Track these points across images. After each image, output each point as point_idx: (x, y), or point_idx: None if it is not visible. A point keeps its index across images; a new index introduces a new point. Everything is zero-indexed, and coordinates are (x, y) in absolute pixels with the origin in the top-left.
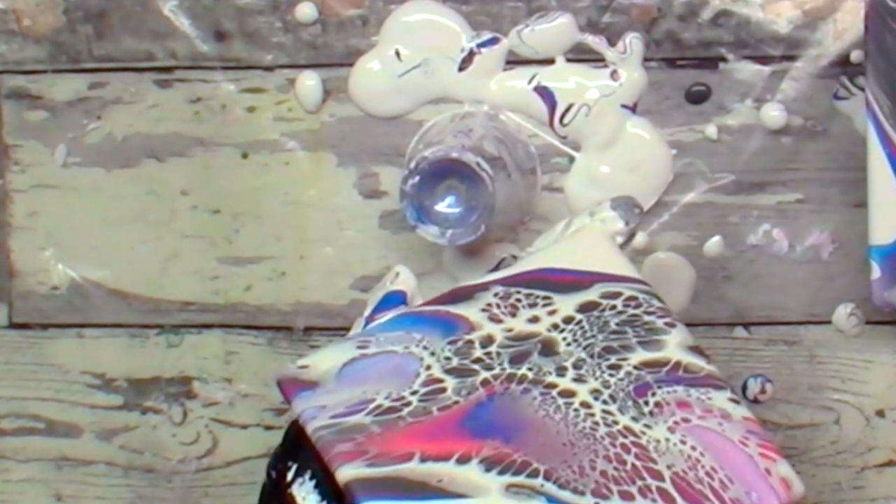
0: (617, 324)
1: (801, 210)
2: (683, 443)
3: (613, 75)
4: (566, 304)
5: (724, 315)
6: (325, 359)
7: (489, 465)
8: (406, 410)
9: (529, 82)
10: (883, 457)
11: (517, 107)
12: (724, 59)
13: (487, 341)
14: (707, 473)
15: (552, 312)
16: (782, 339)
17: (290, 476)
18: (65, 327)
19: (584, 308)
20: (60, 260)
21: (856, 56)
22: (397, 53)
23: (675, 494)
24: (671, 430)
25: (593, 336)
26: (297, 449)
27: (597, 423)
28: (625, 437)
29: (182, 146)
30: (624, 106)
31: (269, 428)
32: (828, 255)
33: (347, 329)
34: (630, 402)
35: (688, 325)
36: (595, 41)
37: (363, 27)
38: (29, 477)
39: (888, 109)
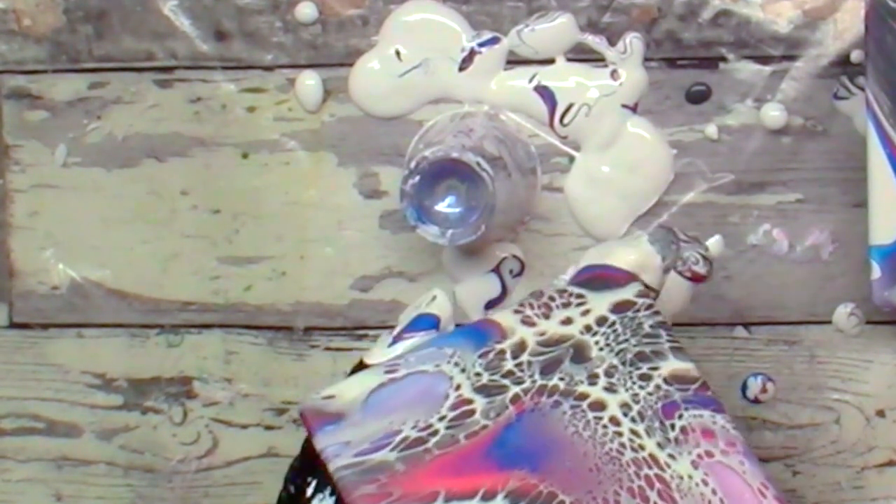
0: (651, 326)
1: (801, 210)
2: (705, 483)
3: (614, 75)
4: (600, 304)
5: (724, 315)
6: (352, 387)
7: (514, 498)
8: (433, 441)
9: (529, 82)
10: (883, 457)
11: (517, 107)
12: (724, 59)
13: (519, 350)
14: None
15: (585, 313)
16: (782, 339)
17: (309, 491)
18: (65, 327)
19: (619, 308)
20: (60, 260)
21: (856, 56)
22: (397, 53)
23: None
24: (694, 464)
25: (626, 340)
26: (315, 463)
27: (623, 446)
28: (650, 467)
29: (182, 146)
30: (624, 106)
31: (269, 428)
32: (828, 255)
33: (348, 329)
34: (657, 424)
35: (688, 325)
36: (595, 41)
37: (363, 27)
38: (29, 477)
39: (888, 109)
